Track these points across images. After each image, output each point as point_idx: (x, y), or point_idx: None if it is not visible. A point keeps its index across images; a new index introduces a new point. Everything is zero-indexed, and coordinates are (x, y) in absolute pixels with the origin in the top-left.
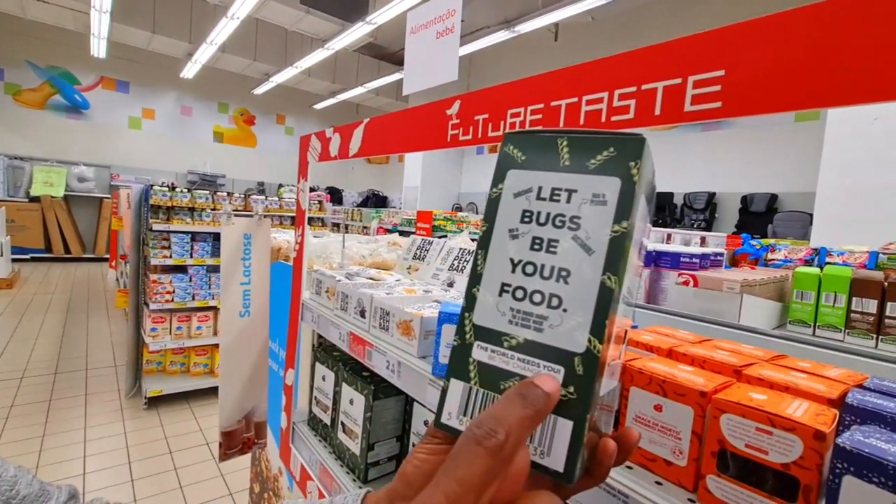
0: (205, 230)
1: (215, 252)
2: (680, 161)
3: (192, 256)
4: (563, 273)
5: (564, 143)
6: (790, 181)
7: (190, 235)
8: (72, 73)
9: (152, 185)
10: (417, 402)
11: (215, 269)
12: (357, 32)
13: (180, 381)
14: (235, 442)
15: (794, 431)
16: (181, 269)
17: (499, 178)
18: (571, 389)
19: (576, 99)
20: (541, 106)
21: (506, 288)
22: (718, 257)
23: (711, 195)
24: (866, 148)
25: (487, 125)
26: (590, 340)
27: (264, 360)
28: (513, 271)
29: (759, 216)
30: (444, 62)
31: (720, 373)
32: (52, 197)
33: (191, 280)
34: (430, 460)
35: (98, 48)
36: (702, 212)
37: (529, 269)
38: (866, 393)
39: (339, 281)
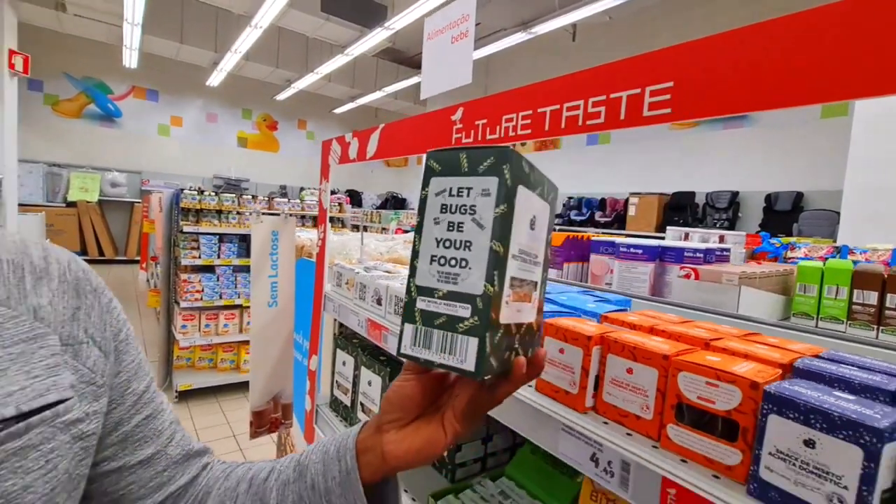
0: (231, 232)
1: (241, 253)
2: (701, 160)
3: (219, 257)
4: (467, 244)
5: (464, 156)
6: (816, 179)
7: (217, 237)
8: (105, 84)
9: (182, 189)
10: None
11: (241, 269)
12: (376, 38)
13: (208, 377)
14: (264, 421)
15: (735, 383)
16: (209, 269)
17: (425, 183)
18: (476, 319)
19: (557, 106)
20: (529, 112)
21: (434, 258)
22: (725, 253)
23: (734, 194)
24: (894, 144)
25: (486, 129)
26: (485, 286)
27: (290, 347)
28: (437, 246)
29: (783, 215)
30: (459, 66)
31: (692, 345)
32: (87, 202)
33: (218, 279)
34: (406, 385)
35: (130, 59)
36: (724, 211)
37: (447, 243)
38: (817, 360)
39: (358, 273)
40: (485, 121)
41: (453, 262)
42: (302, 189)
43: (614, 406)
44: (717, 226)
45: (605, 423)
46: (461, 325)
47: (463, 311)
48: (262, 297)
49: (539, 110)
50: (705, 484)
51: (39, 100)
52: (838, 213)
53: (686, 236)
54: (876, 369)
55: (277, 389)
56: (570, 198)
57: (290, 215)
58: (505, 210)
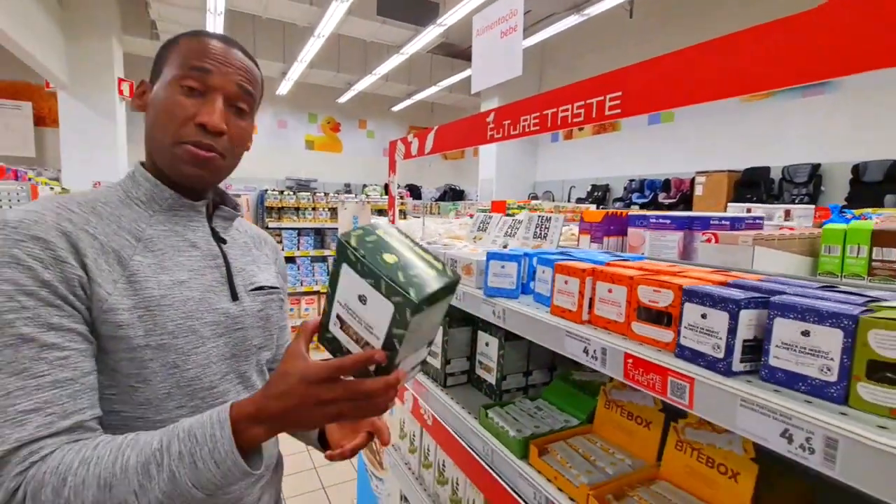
0: (308, 226)
1: (317, 244)
2: (777, 132)
3: (298, 248)
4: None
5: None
6: None
7: (297, 231)
8: None
9: (266, 190)
10: (480, 329)
11: (317, 259)
12: (429, 35)
13: None
14: None
15: (670, 288)
16: (291, 259)
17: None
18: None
19: (555, 109)
20: (537, 114)
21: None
22: (757, 221)
23: (815, 167)
24: None
25: (510, 127)
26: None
27: None
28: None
29: (874, 186)
30: (508, 60)
31: (661, 274)
32: None
33: (299, 269)
34: None
35: None
36: (804, 185)
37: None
38: (751, 281)
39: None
40: (509, 121)
41: None
42: (364, 186)
43: (601, 317)
44: (796, 201)
45: (595, 329)
46: None
47: None
48: None
49: (543, 112)
50: (650, 353)
51: (140, 119)
52: None
53: (748, 211)
54: (792, 284)
55: None
56: (630, 180)
57: (367, 203)
58: (334, 270)
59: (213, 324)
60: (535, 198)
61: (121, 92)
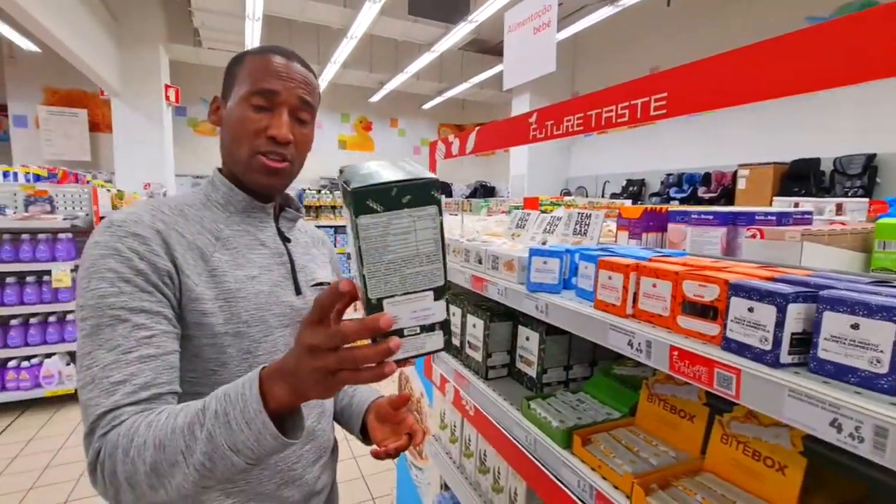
0: (344, 224)
1: None
2: (827, 121)
3: (336, 246)
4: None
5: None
6: None
7: (334, 229)
8: None
9: (304, 189)
10: (520, 324)
11: None
12: (460, 33)
13: None
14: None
15: (716, 283)
16: None
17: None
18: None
19: (600, 110)
20: (581, 115)
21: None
22: (806, 216)
23: (870, 157)
24: None
25: (553, 127)
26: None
27: None
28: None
29: None
30: (542, 56)
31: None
32: None
33: None
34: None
35: None
36: (858, 178)
37: None
38: (796, 276)
39: (462, 242)
40: (552, 122)
41: None
42: None
43: (645, 311)
44: (849, 195)
45: (639, 323)
46: None
47: None
48: None
49: (587, 113)
50: (695, 346)
51: (183, 123)
52: None
53: (796, 206)
54: (842, 279)
55: None
56: (668, 174)
57: None
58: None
59: (280, 315)
60: (568, 194)
61: (167, 98)
